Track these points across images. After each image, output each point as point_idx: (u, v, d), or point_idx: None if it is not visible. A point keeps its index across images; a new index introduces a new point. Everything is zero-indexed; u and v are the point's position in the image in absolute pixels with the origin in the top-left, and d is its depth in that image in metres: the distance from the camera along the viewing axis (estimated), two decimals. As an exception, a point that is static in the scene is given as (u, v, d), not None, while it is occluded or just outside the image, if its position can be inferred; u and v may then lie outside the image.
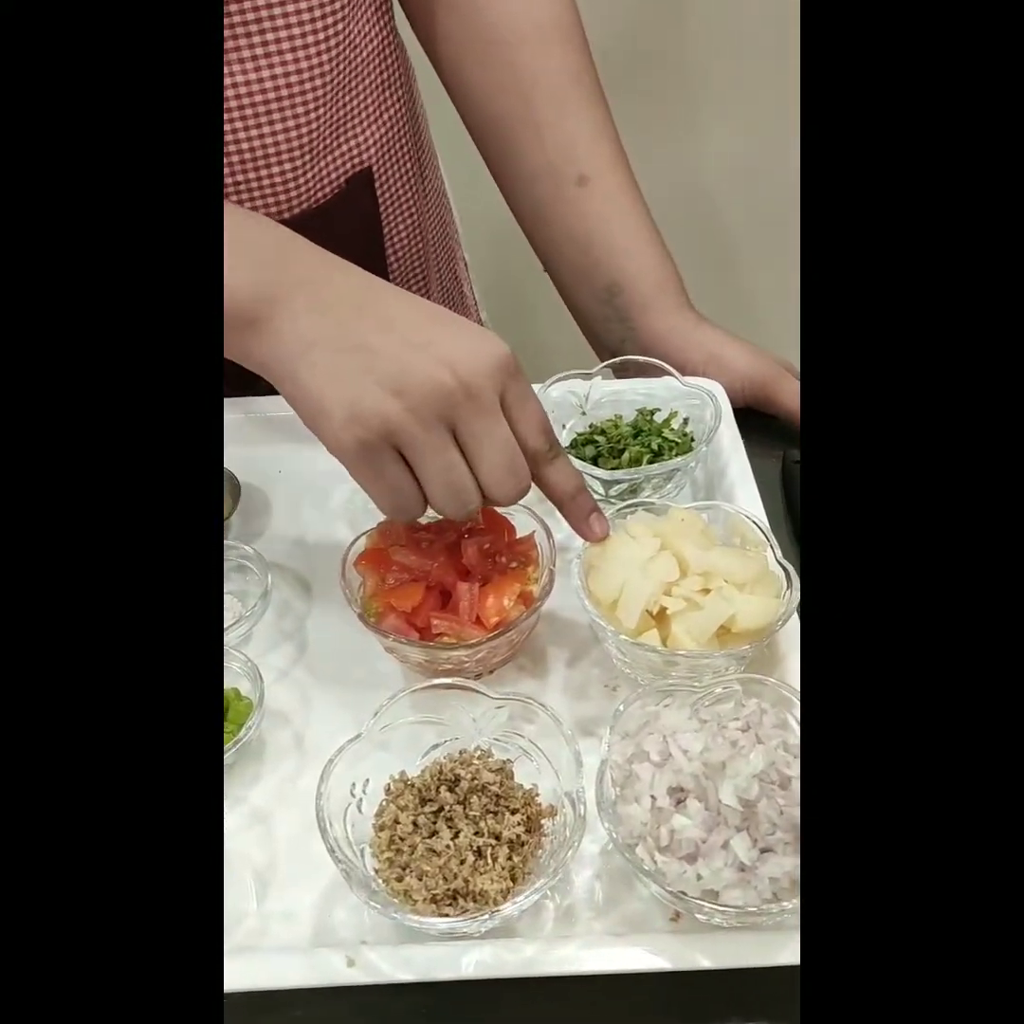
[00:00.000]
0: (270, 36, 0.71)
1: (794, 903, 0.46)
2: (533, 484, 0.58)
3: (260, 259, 0.57)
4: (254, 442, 0.77)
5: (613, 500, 0.70)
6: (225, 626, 0.63)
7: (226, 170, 0.74)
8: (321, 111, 0.76)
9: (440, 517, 0.59)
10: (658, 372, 0.77)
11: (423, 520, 0.66)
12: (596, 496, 0.71)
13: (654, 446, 0.72)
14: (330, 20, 0.73)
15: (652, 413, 0.75)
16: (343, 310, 0.56)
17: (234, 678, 0.60)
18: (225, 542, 0.69)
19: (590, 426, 0.76)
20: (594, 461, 0.72)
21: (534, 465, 0.57)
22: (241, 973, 0.49)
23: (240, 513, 0.72)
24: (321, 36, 0.73)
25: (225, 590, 0.67)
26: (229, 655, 0.61)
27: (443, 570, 0.60)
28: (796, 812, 0.47)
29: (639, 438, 0.73)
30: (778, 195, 1.26)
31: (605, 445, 0.73)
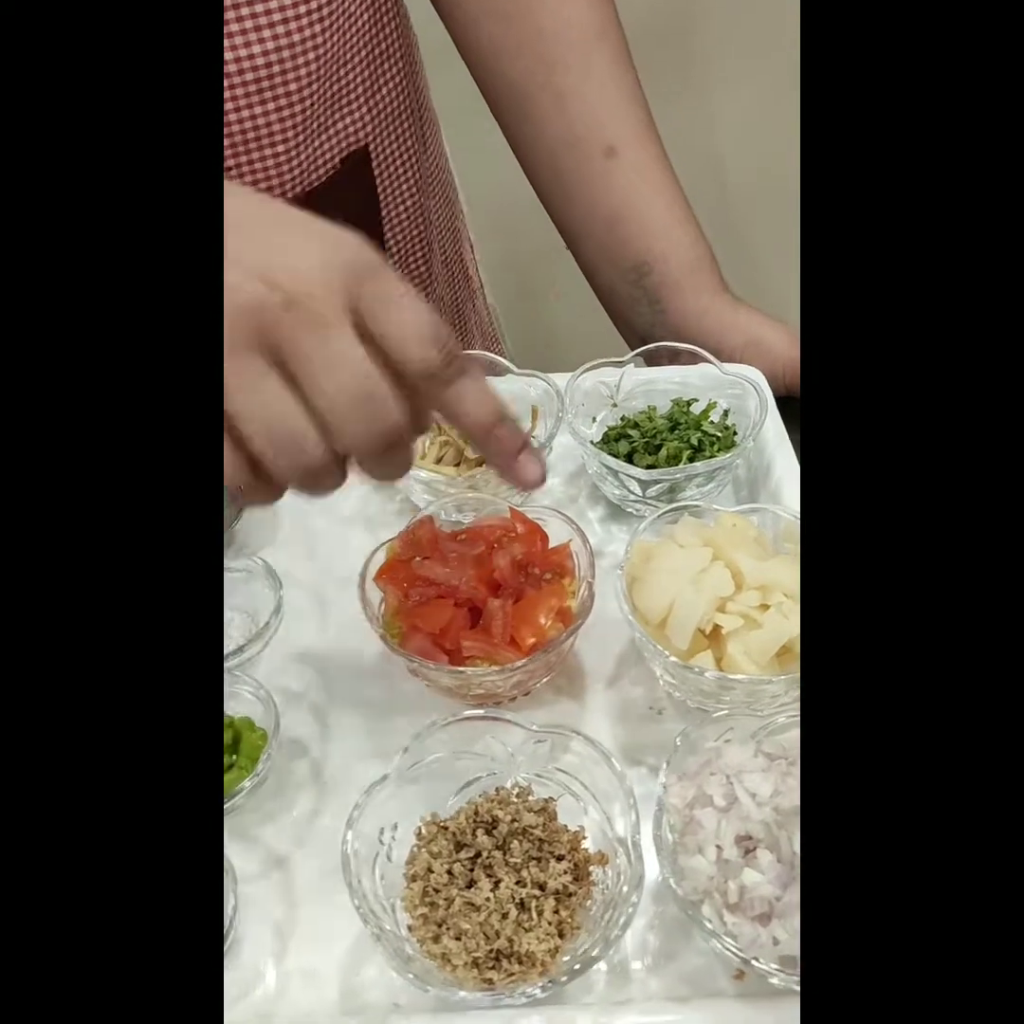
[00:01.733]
0: (260, 7, 0.65)
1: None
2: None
3: None
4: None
5: (652, 502, 0.65)
6: (235, 647, 0.58)
7: None
8: (315, 87, 0.70)
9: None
10: (693, 359, 0.71)
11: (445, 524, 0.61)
12: (632, 497, 0.66)
13: (694, 441, 0.66)
14: None
15: (689, 404, 0.70)
16: None
17: (246, 706, 0.55)
18: (227, 554, 0.63)
19: (622, 419, 0.70)
20: (629, 458, 0.67)
21: (429, 390, 0.41)
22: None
23: (244, 521, 0.67)
24: (314, 5, 0.67)
25: (232, 606, 0.62)
26: (238, 680, 0.56)
27: (472, 585, 0.55)
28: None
29: (676, 432, 0.67)
30: (790, 166, 1.21)
31: (640, 440, 0.67)
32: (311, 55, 0.69)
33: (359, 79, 0.75)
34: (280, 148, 0.71)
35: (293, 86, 0.69)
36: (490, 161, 0.89)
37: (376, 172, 0.79)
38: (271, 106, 0.69)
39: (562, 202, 0.82)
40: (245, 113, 0.68)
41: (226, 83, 0.66)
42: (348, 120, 0.76)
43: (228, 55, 0.66)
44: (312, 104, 0.71)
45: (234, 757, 0.54)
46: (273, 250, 0.39)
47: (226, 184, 0.42)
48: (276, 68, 0.68)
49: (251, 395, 0.39)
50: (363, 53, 0.75)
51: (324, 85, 0.72)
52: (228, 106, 0.67)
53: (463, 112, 0.88)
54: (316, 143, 0.73)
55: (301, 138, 0.71)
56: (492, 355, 0.71)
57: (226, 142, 0.69)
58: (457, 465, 0.69)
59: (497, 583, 0.56)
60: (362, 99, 0.76)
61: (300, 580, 0.64)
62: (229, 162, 0.69)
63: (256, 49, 0.67)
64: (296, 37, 0.67)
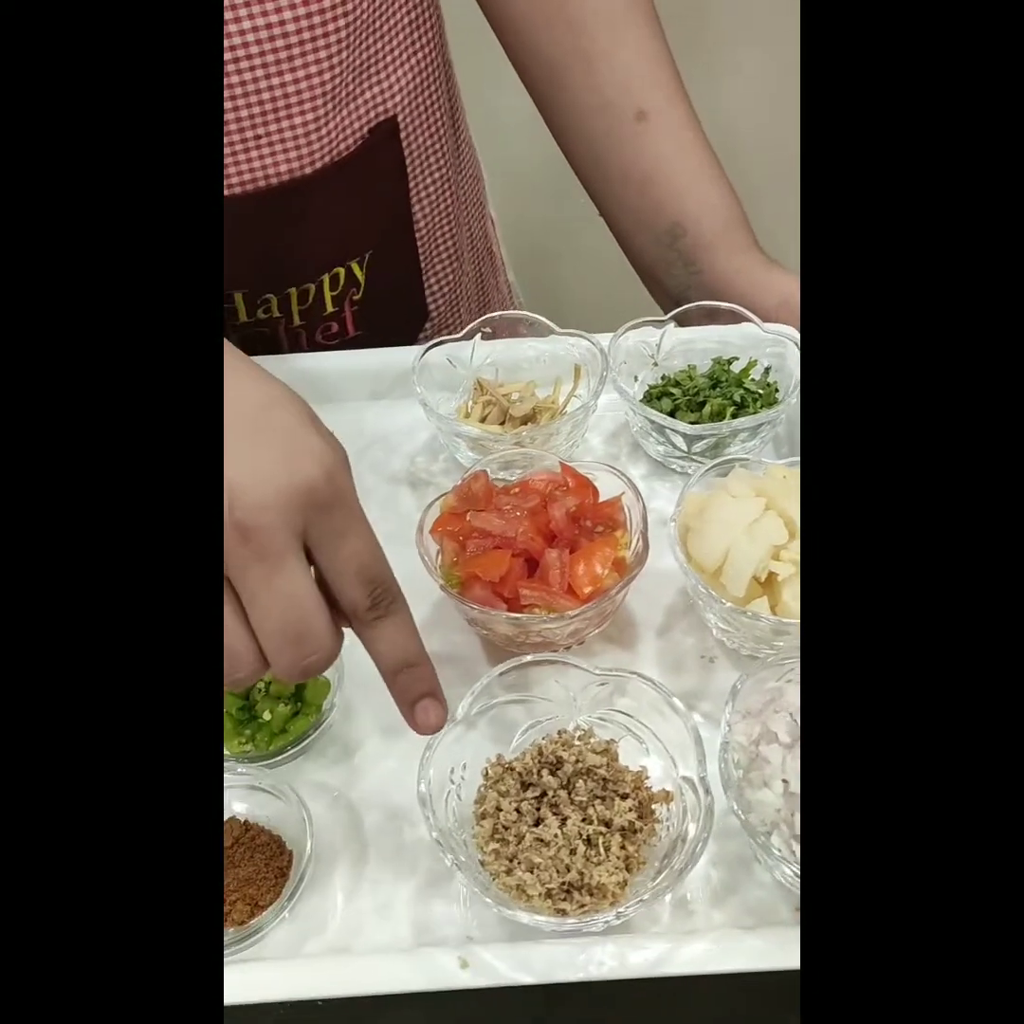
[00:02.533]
0: None
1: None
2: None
3: None
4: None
5: (697, 458, 0.66)
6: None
7: (246, 122, 0.69)
8: (344, 54, 0.70)
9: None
10: (733, 318, 0.72)
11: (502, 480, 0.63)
12: (678, 453, 0.67)
13: (736, 398, 0.68)
14: None
15: (729, 362, 0.71)
16: None
17: (307, 655, 0.56)
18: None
19: (663, 378, 0.71)
20: (671, 415, 0.68)
21: (352, 624, 0.44)
22: (338, 977, 0.45)
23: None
24: None
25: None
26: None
27: (529, 536, 0.56)
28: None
29: (718, 389, 0.69)
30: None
31: (682, 398, 0.68)
32: (342, 22, 0.69)
33: (388, 48, 0.75)
34: (310, 116, 0.71)
35: (323, 53, 0.69)
36: (500, 138, 0.89)
37: (405, 144, 0.79)
38: (301, 73, 0.69)
39: (594, 168, 0.82)
40: (274, 80, 0.68)
41: (256, 50, 0.67)
42: (377, 90, 0.76)
43: (260, 21, 0.66)
44: (341, 72, 0.71)
45: (298, 704, 0.55)
46: (240, 465, 0.40)
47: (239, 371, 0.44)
48: (306, 34, 0.68)
49: None
50: (394, 19, 0.75)
51: (353, 53, 0.72)
52: (258, 73, 0.67)
53: (472, 86, 0.88)
54: (345, 112, 0.73)
55: (330, 107, 0.72)
56: (536, 315, 0.72)
57: (256, 110, 0.69)
58: (502, 424, 0.70)
59: (552, 534, 0.57)
60: (391, 68, 0.76)
61: (352, 536, 0.65)
62: (259, 130, 0.69)
63: (287, 14, 0.66)
64: (326, 3, 0.67)
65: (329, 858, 0.51)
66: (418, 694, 0.45)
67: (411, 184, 0.81)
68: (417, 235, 0.83)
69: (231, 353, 0.44)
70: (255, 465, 0.40)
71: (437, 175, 0.83)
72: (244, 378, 0.43)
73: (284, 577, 0.40)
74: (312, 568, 0.42)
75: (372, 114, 0.75)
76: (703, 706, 0.56)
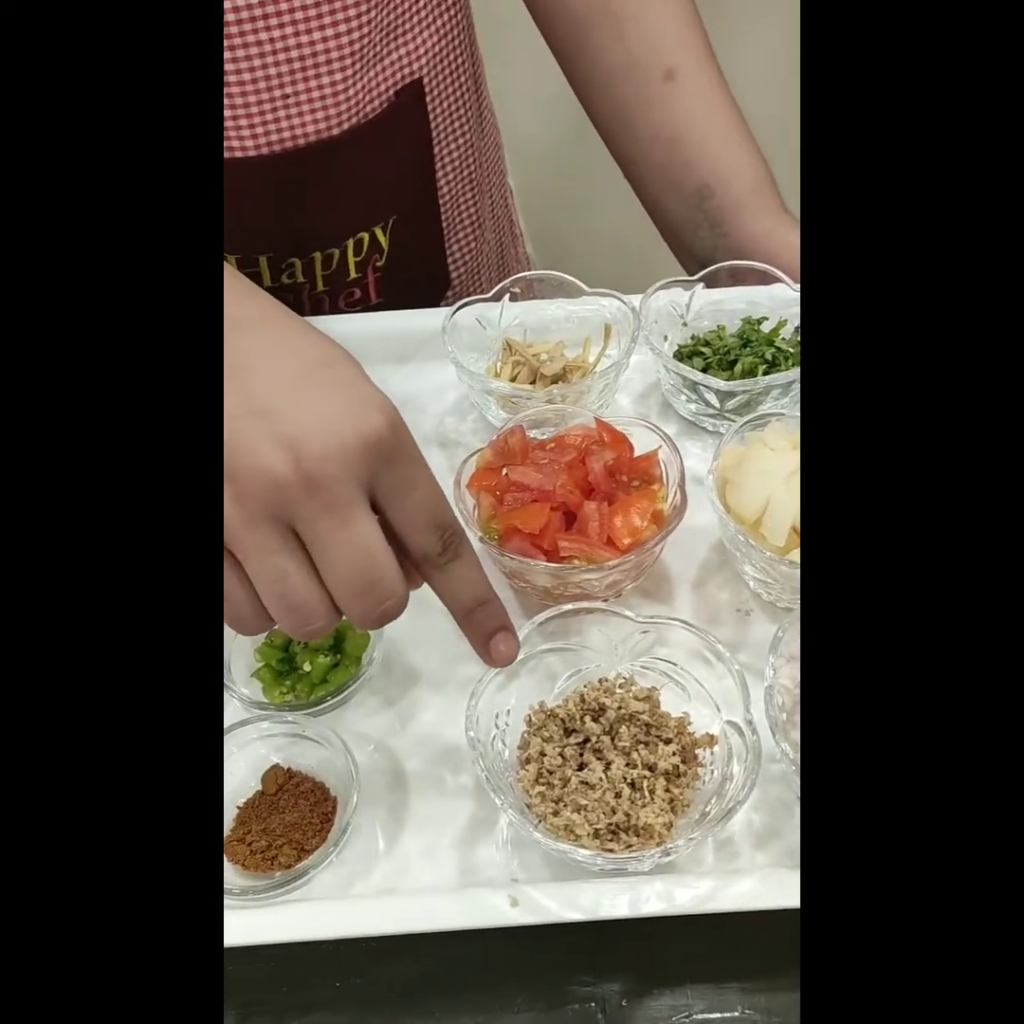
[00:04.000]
0: None
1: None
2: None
3: None
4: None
5: (729, 415, 0.66)
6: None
7: (274, 81, 0.68)
8: (373, 13, 0.70)
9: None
10: (762, 279, 0.72)
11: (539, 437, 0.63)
12: (710, 411, 0.67)
13: (767, 356, 0.68)
14: None
15: (759, 322, 0.71)
16: None
17: (346, 608, 0.57)
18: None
19: (693, 338, 0.72)
20: (703, 373, 0.68)
21: (422, 569, 0.44)
22: (392, 915, 0.46)
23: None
24: None
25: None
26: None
27: (567, 489, 0.56)
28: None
29: (748, 348, 0.69)
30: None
31: (713, 357, 0.69)
32: None
33: (415, 8, 0.75)
34: (338, 76, 0.70)
35: (352, 11, 0.69)
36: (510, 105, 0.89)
37: (430, 107, 0.79)
38: (329, 32, 0.69)
39: (621, 128, 0.82)
40: (303, 38, 0.68)
41: (285, 6, 0.66)
42: (403, 51, 0.75)
43: None
44: (370, 31, 0.71)
45: (338, 656, 0.56)
46: (304, 416, 0.40)
47: (273, 312, 0.44)
48: None
49: (267, 565, 0.41)
50: None
51: (381, 12, 0.71)
52: (288, 31, 0.67)
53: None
54: (372, 73, 0.73)
55: (358, 67, 0.71)
56: (566, 275, 0.72)
57: (284, 68, 0.69)
58: (532, 383, 0.70)
59: (590, 488, 0.57)
60: (418, 29, 0.76)
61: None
62: (287, 89, 0.69)
63: None
64: None
65: (372, 805, 0.51)
66: (493, 629, 0.46)
67: (435, 149, 0.81)
68: (440, 201, 0.83)
69: (285, 313, 0.45)
70: (320, 418, 0.40)
71: (461, 141, 0.83)
72: (299, 335, 0.43)
73: (354, 528, 0.40)
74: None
75: (399, 76, 0.75)
76: (740, 657, 0.56)
